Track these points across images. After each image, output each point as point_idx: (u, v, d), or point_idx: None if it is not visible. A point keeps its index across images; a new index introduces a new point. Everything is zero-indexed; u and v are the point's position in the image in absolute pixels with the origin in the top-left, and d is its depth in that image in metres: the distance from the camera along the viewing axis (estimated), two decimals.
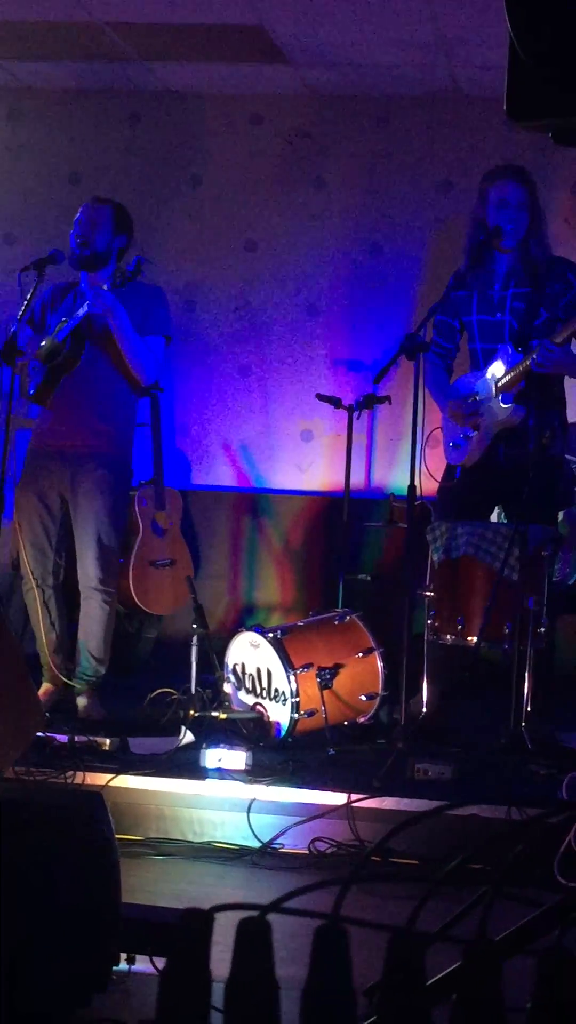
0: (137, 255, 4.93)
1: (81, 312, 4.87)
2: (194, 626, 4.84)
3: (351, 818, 3.98)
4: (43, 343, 5.00)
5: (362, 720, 4.92)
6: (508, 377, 4.82)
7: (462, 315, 5.03)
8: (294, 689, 4.67)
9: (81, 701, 5.01)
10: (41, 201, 7.24)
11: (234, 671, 4.94)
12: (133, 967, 2.68)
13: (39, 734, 4.28)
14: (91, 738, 4.54)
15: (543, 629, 4.54)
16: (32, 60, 6.90)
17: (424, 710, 4.77)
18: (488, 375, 4.90)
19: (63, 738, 4.52)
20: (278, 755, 4.56)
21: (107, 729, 4.69)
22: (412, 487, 4.56)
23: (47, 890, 2.45)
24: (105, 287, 4.83)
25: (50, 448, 5.07)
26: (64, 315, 5.03)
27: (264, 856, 3.96)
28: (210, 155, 7.25)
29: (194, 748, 4.47)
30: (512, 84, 2.09)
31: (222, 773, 4.28)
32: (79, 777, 4.19)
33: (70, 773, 4.20)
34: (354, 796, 4.03)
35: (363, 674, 4.87)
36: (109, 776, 4.17)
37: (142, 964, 2.67)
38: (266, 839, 4.00)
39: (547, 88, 2.05)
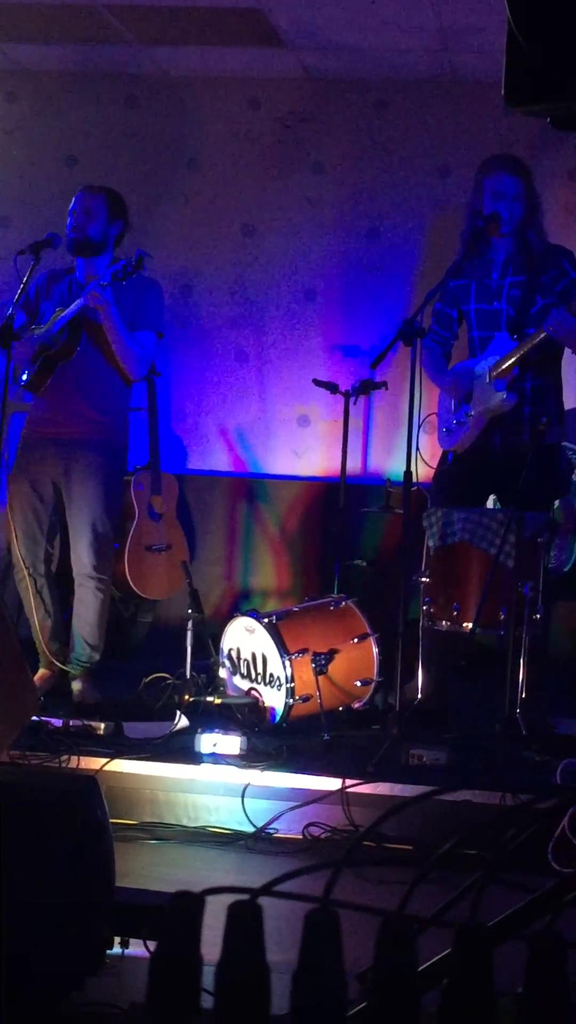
0: (139, 249, 4.91)
1: (78, 304, 4.86)
2: (189, 611, 4.84)
3: (345, 803, 3.99)
4: (39, 331, 4.99)
5: (357, 706, 4.92)
6: (503, 364, 4.82)
7: (461, 304, 5.03)
8: (289, 674, 4.67)
9: (76, 686, 5.02)
10: (37, 184, 7.22)
11: (229, 656, 4.95)
12: (127, 951, 2.68)
13: (34, 718, 4.29)
14: (86, 722, 4.55)
15: (538, 616, 4.54)
16: (29, 43, 6.88)
17: (419, 696, 4.77)
18: (484, 362, 4.90)
19: (58, 722, 4.53)
20: (273, 740, 4.57)
21: (102, 714, 4.69)
22: (408, 473, 4.55)
23: (41, 874, 2.46)
24: (105, 282, 4.80)
25: (44, 436, 5.06)
26: (58, 302, 5.03)
27: (258, 841, 3.97)
28: (207, 139, 7.23)
29: (189, 733, 4.48)
30: (510, 69, 2.08)
31: (216, 758, 4.29)
32: (74, 761, 4.19)
33: (65, 757, 4.21)
34: (348, 781, 4.04)
35: (358, 660, 4.87)
36: (104, 760, 4.18)
37: (136, 948, 2.68)
38: (260, 824, 4.01)
39: (545, 73, 2.04)
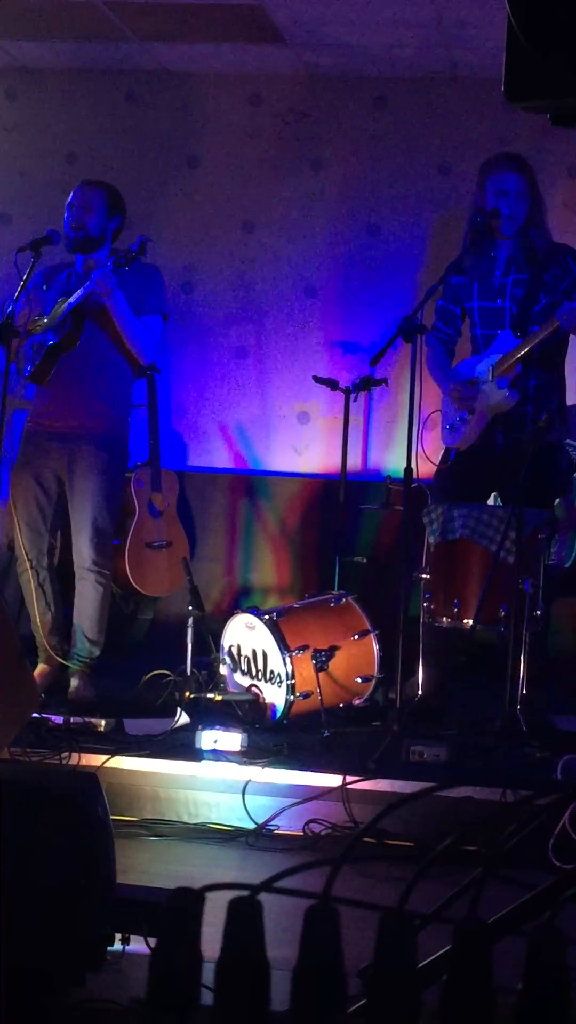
0: (140, 235, 4.92)
1: (83, 291, 4.86)
2: (190, 608, 4.84)
3: (346, 800, 3.99)
4: (41, 322, 4.99)
5: (357, 702, 4.92)
6: (506, 361, 4.82)
7: (463, 301, 5.03)
8: (290, 671, 4.68)
9: (73, 682, 5.01)
10: (37, 181, 7.21)
11: (230, 653, 4.95)
12: (127, 947, 2.69)
13: (35, 715, 4.29)
14: (87, 719, 4.55)
15: (539, 612, 4.54)
16: (29, 39, 6.87)
17: (419, 692, 4.77)
18: (487, 360, 4.90)
19: (59, 719, 4.53)
20: (273, 737, 4.57)
21: (102, 710, 4.69)
22: (408, 469, 4.56)
23: (42, 871, 2.46)
24: (108, 267, 4.81)
25: (47, 429, 5.07)
26: (59, 295, 5.02)
27: (259, 838, 3.97)
28: (208, 136, 7.22)
29: (189, 730, 4.48)
30: (510, 65, 2.09)
31: (217, 755, 4.29)
32: (74, 758, 4.20)
33: (65, 754, 4.21)
34: (349, 778, 4.04)
35: (359, 656, 4.87)
36: (104, 757, 4.18)
37: (136, 944, 2.68)
38: (261, 821, 4.02)
39: (545, 69, 2.04)
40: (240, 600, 6.82)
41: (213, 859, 3.83)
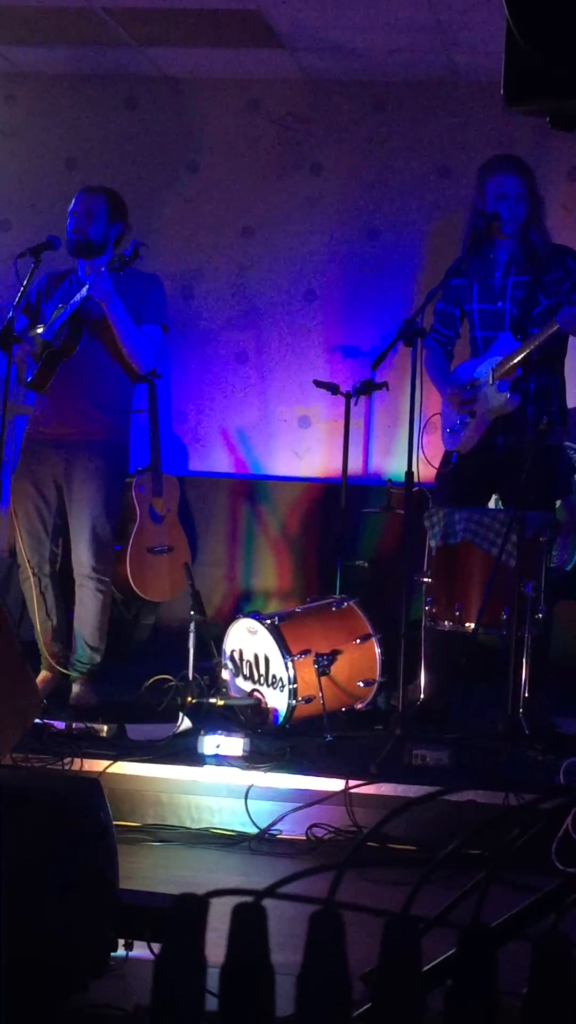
0: (135, 240, 4.92)
1: (80, 296, 4.86)
2: (191, 612, 4.84)
3: (349, 804, 3.98)
4: (40, 330, 4.99)
5: (360, 706, 4.92)
6: (506, 364, 4.81)
7: (463, 303, 5.03)
8: (292, 675, 4.67)
9: (75, 688, 5.02)
10: (37, 187, 7.22)
11: (232, 657, 4.94)
12: (131, 953, 2.68)
13: (37, 721, 4.29)
14: (89, 725, 4.55)
15: (541, 615, 4.54)
16: (28, 45, 6.88)
17: (422, 696, 4.77)
18: (487, 362, 4.89)
19: (61, 725, 4.52)
20: (276, 741, 4.57)
21: (104, 716, 4.69)
22: (410, 473, 4.55)
23: (45, 876, 2.46)
24: (103, 271, 4.81)
25: (46, 436, 5.06)
26: (60, 302, 5.02)
27: (262, 842, 3.97)
28: (207, 140, 7.23)
29: (192, 734, 4.47)
30: (509, 68, 2.08)
31: (220, 759, 4.28)
32: (77, 763, 4.19)
33: (68, 759, 4.20)
34: (352, 782, 4.04)
35: (361, 660, 4.87)
36: (107, 762, 4.18)
37: (140, 950, 2.67)
38: (264, 825, 4.01)
39: (544, 72, 2.04)
40: (242, 605, 6.82)
41: (216, 864, 3.83)
